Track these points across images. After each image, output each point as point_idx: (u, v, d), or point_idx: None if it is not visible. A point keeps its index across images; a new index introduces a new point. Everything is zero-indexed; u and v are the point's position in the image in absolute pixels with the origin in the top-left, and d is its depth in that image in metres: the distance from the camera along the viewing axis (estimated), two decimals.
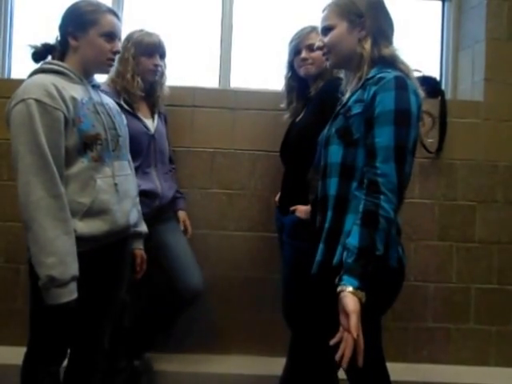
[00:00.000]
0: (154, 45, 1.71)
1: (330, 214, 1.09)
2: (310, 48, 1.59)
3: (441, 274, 2.06)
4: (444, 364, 2.05)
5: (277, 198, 1.81)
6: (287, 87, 1.77)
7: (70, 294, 1.13)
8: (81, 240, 1.18)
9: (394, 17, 1.18)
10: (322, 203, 1.13)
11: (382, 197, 0.99)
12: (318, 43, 1.22)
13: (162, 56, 1.75)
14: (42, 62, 1.28)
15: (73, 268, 1.13)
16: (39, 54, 1.28)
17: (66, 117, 1.15)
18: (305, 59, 1.64)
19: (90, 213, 1.20)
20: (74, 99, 1.18)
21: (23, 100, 1.11)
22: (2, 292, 2.02)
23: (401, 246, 1.12)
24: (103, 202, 1.22)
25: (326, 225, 1.09)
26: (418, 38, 2.22)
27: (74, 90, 1.21)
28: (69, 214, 1.14)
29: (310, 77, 1.67)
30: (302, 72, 1.67)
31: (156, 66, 1.72)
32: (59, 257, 1.10)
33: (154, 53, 1.71)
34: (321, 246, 1.10)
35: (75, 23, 1.25)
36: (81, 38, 1.26)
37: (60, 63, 1.24)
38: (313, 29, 1.63)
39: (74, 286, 1.14)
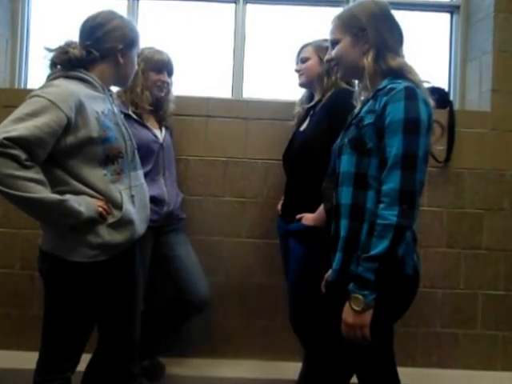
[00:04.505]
0: (163, 62, 1.76)
1: (344, 222, 1.11)
2: (302, 60, 1.75)
3: (449, 281, 2.09)
4: (452, 369, 2.09)
5: (279, 206, 1.84)
6: (301, 96, 1.87)
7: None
8: (107, 248, 1.21)
9: (403, 28, 1.18)
10: (335, 212, 1.16)
11: (380, 205, 1.03)
12: (327, 56, 1.27)
13: (170, 73, 1.80)
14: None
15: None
16: (77, 61, 1.23)
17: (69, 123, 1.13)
18: (297, 71, 1.77)
19: (119, 224, 1.23)
20: (96, 113, 1.20)
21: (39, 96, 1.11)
22: (18, 298, 2.06)
23: (416, 254, 1.14)
24: (129, 213, 1.26)
25: (342, 233, 1.11)
26: (427, 50, 2.26)
27: (96, 102, 1.22)
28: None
29: (303, 86, 1.79)
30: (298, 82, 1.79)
31: (163, 82, 1.77)
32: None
33: (162, 69, 1.76)
34: (338, 254, 1.11)
35: (124, 41, 1.28)
36: (126, 56, 1.30)
37: (85, 72, 1.24)
38: (308, 43, 1.76)
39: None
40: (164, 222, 1.77)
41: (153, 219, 1.68)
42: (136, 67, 1.38)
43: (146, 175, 1.68)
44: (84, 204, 1.15)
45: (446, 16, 2.33)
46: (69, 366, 1.32)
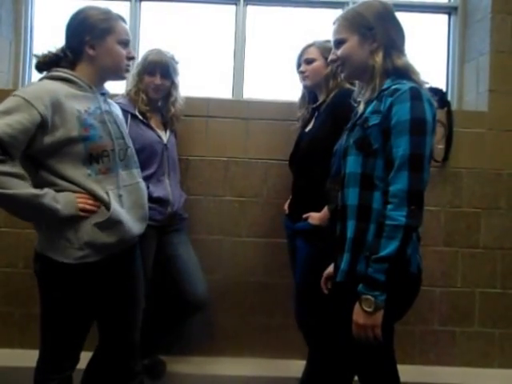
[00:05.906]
0: (155, 63, 1.73)
1: (351, 223, 1.11)
2: (307, 61, 1.72)
3: (446, 279, 2.11)
4: (449, 366, 2.10)
5: (286, 205, 1.85)
6: (300, 98, 1.86)
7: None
8: (95, 248, 1.20)
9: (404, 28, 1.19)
10: (341, 213, 1.16)
11: (388, 206, 1.03)
12: (331, 56, 1.25)
13: (165, 75, 1.75)
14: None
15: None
16: (46, 64, 1.25)
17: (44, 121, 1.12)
18: (302, 72, 1.74)
19: (107, 224, 1.21)
20: (78, 111, 1.18)
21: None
22: (21, 297, 2.08)
23: (418, 253, 1.14)
24: (118, 213, 1.23)
25: (349, 234, 1.11)
26: (425, 51, 2.27)
27: (79, 101, 1.21)
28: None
29: (308, 88, 1.77)
30: (302, 84, 1.78)
31: (156, 85, 1.73)
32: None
33: (154, 71, 1.73)
34: (346, 255, 1.11)
35: (92, 32, 1.24)
36: (98, 47, 1.25)
37: (69, 71, 1.24)
38: (311, 44, 1.74)
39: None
40: (167, 222, 1.79)
41: (157, 219, 1.71)
42: (118, 54, 1.29)
43: (151, 176, 1.71)
44: (63, 201, 1.14)
45: (444, 17, 2.35)
46: (67, 365, 1.32)
